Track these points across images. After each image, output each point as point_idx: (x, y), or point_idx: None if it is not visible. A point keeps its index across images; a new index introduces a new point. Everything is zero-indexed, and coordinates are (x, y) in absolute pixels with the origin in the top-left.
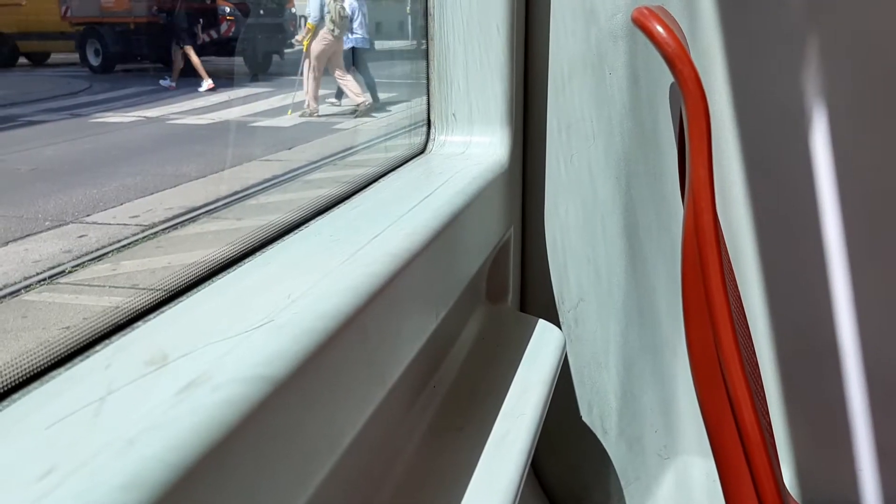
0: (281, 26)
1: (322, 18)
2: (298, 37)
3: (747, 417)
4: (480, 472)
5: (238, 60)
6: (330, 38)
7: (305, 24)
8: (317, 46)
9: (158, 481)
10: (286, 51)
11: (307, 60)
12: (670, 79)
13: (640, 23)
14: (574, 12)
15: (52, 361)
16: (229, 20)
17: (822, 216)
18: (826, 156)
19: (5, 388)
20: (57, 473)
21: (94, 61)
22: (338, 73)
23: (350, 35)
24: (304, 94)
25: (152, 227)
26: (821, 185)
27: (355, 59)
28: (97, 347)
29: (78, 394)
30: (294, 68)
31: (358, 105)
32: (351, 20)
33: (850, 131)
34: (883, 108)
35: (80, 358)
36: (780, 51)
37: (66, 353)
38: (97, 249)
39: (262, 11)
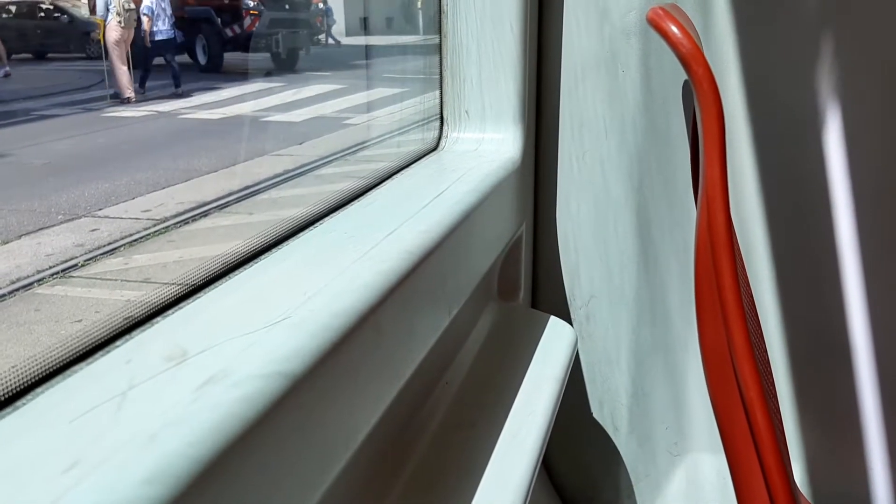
0: (306, 21)
1: (108, 12)
2: (93, 35)
3: (759, 415)
4: (492, 468)
5: (263, 56)
6: (119, 29)
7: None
8: (111, 38)
9: (180, 476)
10: (311, 47)
11: (109, 53)
12: (683, 77)
13: (654, 23)
14: (587, 10)
15: (74, 356)
16: (253, 14)
17: (836, 216)
18: (840, 156)
19: (29, 383)
20: (81, 467)
21: None
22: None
23: (154, 28)
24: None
25: (164, 222)
26: (834, 185)
27: (158, 49)
28: (117, 343)
29: (100, 388)
30: (320, 63)
31: (126, 98)
32: (153, 13)
33: (864, 132)
34: None
35: (100, 353)
36: (795, 50)
37: (87, 349)
38: (109, 243)
39: (287, 6)
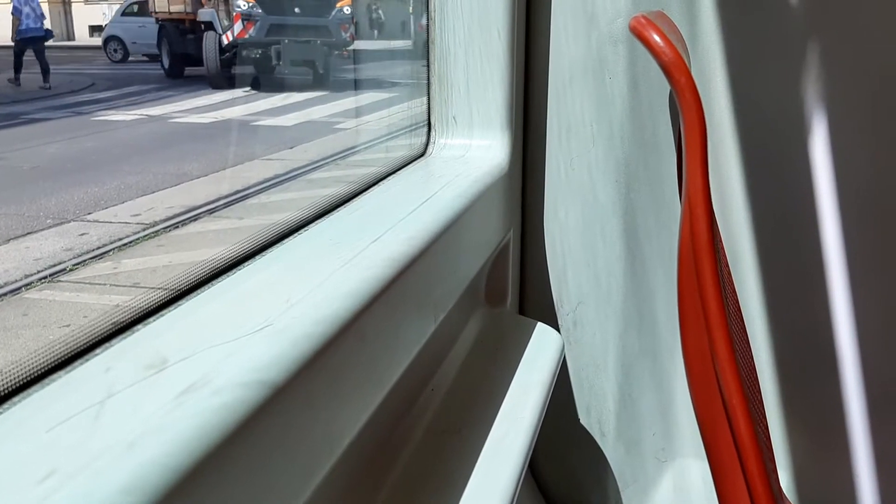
0: (325, 29)
1: None
2: None
3: (741, 422)
4: (478, 474)
5: (250, 69)
6: None
7: None
8: None
9: (158, 485)
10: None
11: None
12: None
13: (637, 31)
14: (575, 17)
15: (53, 364)
16: (245, 18)
17: (822, 222)
18: (825, 162)
19: (6, 391)
20: (57, 476)
21: (166, 62)
22: None
23: (21, 26)
24: None
25: (153, 226)
26: (820, 190)
27: (25, 46)
28: (97, 351)
29: (78, 397)
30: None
31: None
32: (18, 12)
33: (849, 137)
34: (883, 114)
35: (80, 361)
36: (781, 56)
37: (66, 357)
38: (98, 248)
39: (296, 9)
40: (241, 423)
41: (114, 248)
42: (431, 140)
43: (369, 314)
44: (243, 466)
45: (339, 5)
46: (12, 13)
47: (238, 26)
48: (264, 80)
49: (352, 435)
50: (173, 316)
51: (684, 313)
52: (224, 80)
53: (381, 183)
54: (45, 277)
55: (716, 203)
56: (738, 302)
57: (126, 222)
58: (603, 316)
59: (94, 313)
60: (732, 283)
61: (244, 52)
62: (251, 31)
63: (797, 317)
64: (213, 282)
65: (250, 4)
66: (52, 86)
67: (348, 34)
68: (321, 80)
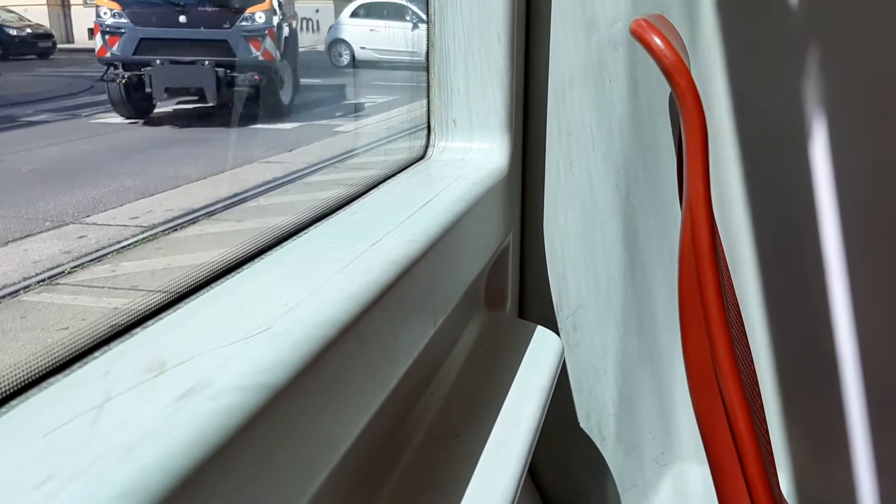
0: (223, 46)
1: None
2: None
3: (742, 426)
4: (478, 478)
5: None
6: None
7: None
8: None
9: (157, 489)
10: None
11: None
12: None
13: (638, 35)
14: (575, 20)
15: (51, 368)
16: (109, 31)
17: (822, 227)
18: (825, 165)
19: (3, 395)
20: (56, 481)
21: None
22: None
23: None
24: None
25: (152, 229)
26: (820, 195)
27: None
28: (95, 354)
29: (76, 401)
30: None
31: None
32: None
33: (849, 142)
34: (883, 120)
35: (78, 365)
36: (781, 59)
37: (64, 360)
38: (97, 250)
39: (182, 18)
40: (241, 427)
41: (112, 251)
42: (431, 143)
43: (369, 317)
44: (243, 470)
45: (249, 11)
46: None
47: (98, 41)
48: (144, 111)
49: (351, 438)
50: (172, 319)
51: (685, 317)
52: (122, 105)
53: (380, 186)
54: (43, 280)
55: (715, 206)
56: (738, 306)
57: (125, 225)
58: (602, 320)
59: (92, 316)
60: (732, 287)
61: (108, 75)
62: (114, 47)
63: (797, 320)
64: (212, 285)
65: (114, 12)
66: (50, 88)
67: (261, 52)
68: (211, 114)
